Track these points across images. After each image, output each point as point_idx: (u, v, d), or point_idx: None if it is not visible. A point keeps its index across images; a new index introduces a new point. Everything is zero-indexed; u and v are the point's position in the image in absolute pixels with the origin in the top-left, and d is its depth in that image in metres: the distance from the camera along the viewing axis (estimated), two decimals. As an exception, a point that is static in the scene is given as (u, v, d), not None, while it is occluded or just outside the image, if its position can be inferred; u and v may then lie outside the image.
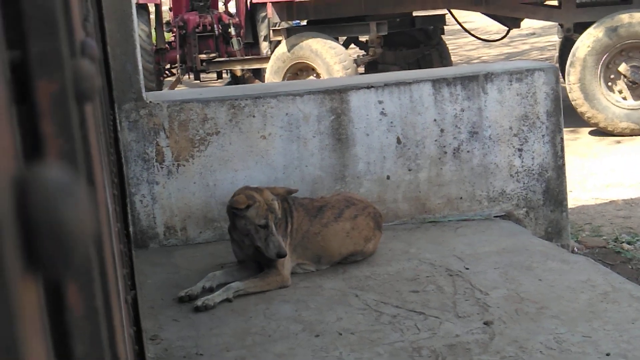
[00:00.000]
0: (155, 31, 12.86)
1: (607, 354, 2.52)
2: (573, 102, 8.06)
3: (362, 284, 3.29)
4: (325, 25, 8.95)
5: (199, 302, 3.11)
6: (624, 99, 8.09)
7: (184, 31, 12.31)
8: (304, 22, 9.47)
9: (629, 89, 8.06)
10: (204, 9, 12.67)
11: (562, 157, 4.22)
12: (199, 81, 12.95)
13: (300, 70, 8.91)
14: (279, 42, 9.26)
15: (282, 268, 3.32)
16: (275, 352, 2.70)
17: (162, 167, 3.96)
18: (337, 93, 4.05)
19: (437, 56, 10.26)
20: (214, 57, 12.18)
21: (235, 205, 3.25)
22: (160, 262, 3.74)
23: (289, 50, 8.83)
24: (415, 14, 9.87)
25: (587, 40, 7.96)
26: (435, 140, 4.11)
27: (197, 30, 12.28)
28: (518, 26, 9.64)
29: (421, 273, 3.37)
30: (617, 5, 8.32)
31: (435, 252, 3.64)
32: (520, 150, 4.16)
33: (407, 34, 10.14)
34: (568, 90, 8.01)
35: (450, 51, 10.92)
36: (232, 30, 12.24)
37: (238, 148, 3.98)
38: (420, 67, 9.18)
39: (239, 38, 12.34)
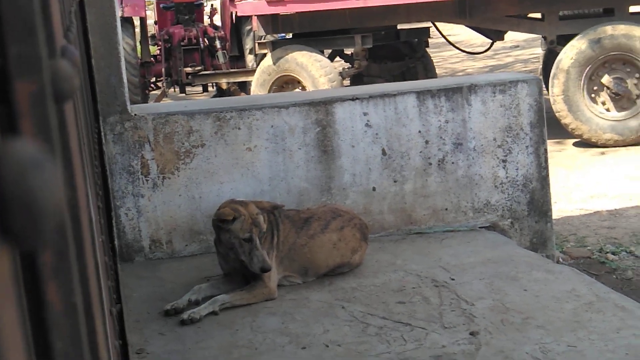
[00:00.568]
0: (140, 44, 12.86)
1: (593, 363, 2.53)
2: (557, 114, 8.12)
3: (348, 296, 3.28)
4: (311, 38, 8.98)
5: (185, 316, 3.10)
6: (608, 110, 8.16)
7: (169, 44, 12.32)
8: (290, 35, 9.50)
9: (612, 101, 8.13)
10: (189, 22, 12.68)
11: (546, 167, 4.25)
12: (184, 94, 12.94)
13: (285, 83, 8.93)
14: (264, 55, 9.27)
15: (268, 280, 3.31)
16: (262, 364, 2.69)
17: (147, 180, 3.95)
18: (322, 105, 4.06)
19: (421, 69, 10.31)
20: (200, 70, 12.19)
21: (222, 217, 3.25)
22: (146, 276, 3.72)
23: (274, 63, 8.85)
24: (400, 26, 9.93)
25: (571, 52, 8.02)
26: (420, 152, 4.12)
27: (182, 43, 12.29)
28: (502, 39, 9.72)
29: (407, 284, 3.37)
30: (599, 17, 8.41)
31: (421, 263, 3.64)
32: (504, 161, 4.18)
33: (392, 46, 10.19)
34: (552, 102, 8.07)
35: (434, 64, 10.98)
36: (217, 44, 12.26)
37: (223, 160, 3.98)
38: (405, 80, 9.22)
39: (225, 51, 12.36)
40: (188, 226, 3.98)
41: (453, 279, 3.39)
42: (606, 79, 8.05)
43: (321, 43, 9.03)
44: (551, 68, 8.28)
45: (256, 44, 10.52)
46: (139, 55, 12.47)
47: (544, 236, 4.25)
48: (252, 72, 10.59)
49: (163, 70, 12.18)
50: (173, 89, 12.74)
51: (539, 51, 11.65)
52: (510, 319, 2.93)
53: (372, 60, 9.77)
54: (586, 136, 8.13)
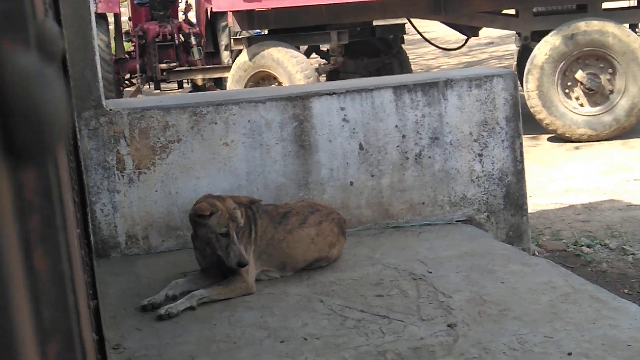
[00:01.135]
0: (115, 41, 12.77)
1: (569, 354, 2.54)
2: (531, 109, 8.18)
3: (326, 290, 3.28)
4: (287, 34, 8.96)
5: (162, 311, 3.08)
6: (581, 105, 8.24)
7: (144, 41, 12.24)
8: (265, 31, 9.48)
9: (585, 96, 8.21)
10: (164, 19, 12.61)
11: (522, 161, 4.28)
12: (159, 91, 12.87)
13: (262, 79, 8.91)
14: (240, 51, 9.25)
15: (246, 275, 3.30)
16: (240, 359, 2.68)
17: (123, 176, 3.92)
18: (300, 100, 4.06)
19: (397, 65, 10.34)
20: (175, 67, 12.13)
21: (199, 212, 3.24)
22: (122, 272, 3.70)
23: (250, 59, 8.82)
24: (375, 23, 9.95)
25: (545, 48, 8.09)
26: (397, 146, 4.13)
27: (157, 39, 12.22)
28: (476, 35, 9.77)
29: (385, 278, 3.38)
30: (573, 13, 8.48)
31: (398, 256, 3.65)
32: (480, 155, 4.20)
33: (368, 43, 10.21)
34: (526, 98, 8.13)
35: (410, 60, 11.03)
36: (192, 40, 12.20)
37: (200, 155, 3.96)
38: (381, 76, 9.24)
39: (200, 47, 12.32)
40: (164, 222, 3.96)
41: (430, 272, 3.41)
42: (580, 75, 8.13)
43: (297, 39, 9.02)
44: (525, 64, 8.35)
45: (232, 40, 10.50)
46: (113, 51, 12.39)
47: (519, 229, 4.28)
48: (227, 68, 10.56)
49: (137, 66, 12.11)
50: (148, 86, 12.68)
51: (513, 47, 11.73)
52: (487, 310, 2.94)
53: (348, 57, 9.78)
54: (560, 131, 8.21)
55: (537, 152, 7.91)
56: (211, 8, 10.46)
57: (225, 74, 10.71)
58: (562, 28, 8.05)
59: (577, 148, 8.06)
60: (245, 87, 8.75)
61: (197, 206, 3.28)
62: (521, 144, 4.27)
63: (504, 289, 3.17)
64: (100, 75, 3.94)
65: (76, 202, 2.30)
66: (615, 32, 7.97)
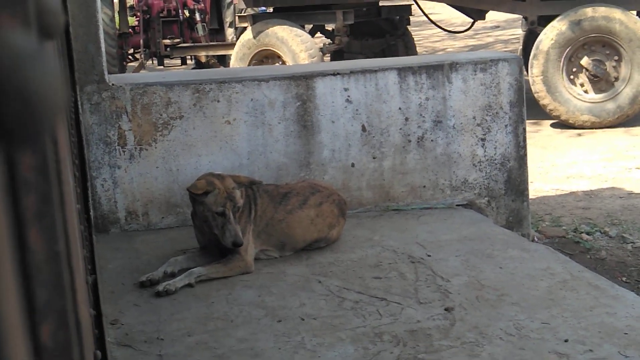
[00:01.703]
0: (119, 15, 12.72)
1: (565, 340, 2.55)
2: (536, 95, 8.16)
3: (325, 270, 3.29)
4: (292, 12, 8.91)
5: (160, 287, 3.09)
6: (586, 92, 8.21)
7: (148, 16, 12.19)
8: (271, 9, 9.43)
9: (590, 83, 8.18)
10: (169, -6, 12.54)
11: (524, 147, 4.27)
12: (162, 67, 12.84)
13: (265, 57, 8.88)
14: (244, 28, 9.21)
15: (245, 254, 3.31)
16: (238, 337, 2.69)
17: (124, 151, 3.92)
18: (303, 79, 4.05)
19: (402, 47, 10.30)
20: (178, 43, 12.09)
21: (193, 190, 3.24)
22: (121, 247, 3.70)
23: (254, 37, 8.78)
24: (381, 3, 9.89)
25: (551, 34, 8.05)
26: (400, 129, 4.12)
27: (161, 15, 12.17)
28: (483, 18, 9.72)
29: (384, 260, 3.38)
30: (580, -1, 8.43)
31: (398, 239, 3.66)
32: (483, 140, 4.19)
33: (373, 23, 10.16)
34: (531, 83, 8.10)
35: (415, 42, 10.97)
36: (197, 16, 12.14)
37: (202, 133, 3.96)
38: (385, 57, 9.20)
39: (204, 24, 12.25)
40: (165, 198, 3.97)
41: (429, 256, 3.41)
42: (585, 61, 8.10)
43: (302, 18, 8.97)
44: (531, 49, 8.31)
45: (236, 17, 10.44)
46: (117, 26, 12.34)
47: (520, 215, 4.28)
48: (231, 45, 10.51)
49: (141, 41, 12.06)
50: (151, 61, 12.64)
51: (520, 32, 11.68)
52: (485, 295, 2.95)
53: (353, 37, 9.74)
54: (564, 117, 8.19)
55: (539, 138, 7.90)
56: (216, -16, 10.40)
57: (229, 52, 10.67)
58: (569, 13, 8.01)
59: (579, 135, 8.04)
60: (248, 65, 8.72)
61: (194, 183, 3.29)
62: (524, 129, 4.27)
63: (503, 274, 3.17)
64: (103, 49, 3.93)
65: (77, 176, 2.30)
66: (622, 19, 7.92)
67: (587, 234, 5.04)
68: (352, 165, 4.10)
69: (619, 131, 8.02)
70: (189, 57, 12.74)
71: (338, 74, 4.08)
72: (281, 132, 4.03)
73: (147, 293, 3.11)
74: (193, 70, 10.57)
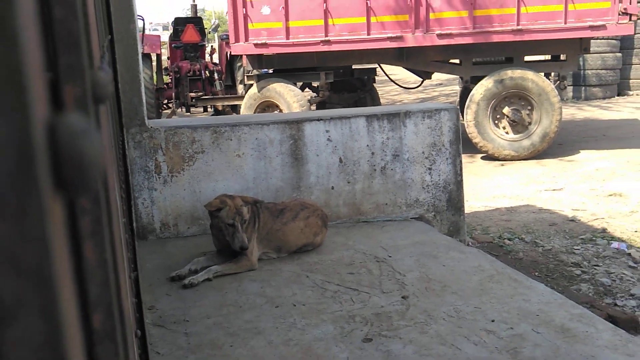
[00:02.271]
0: (156, 74, 12.73)
1: (492, 320, 2.55)
2: (469, 135, 8.22)
3: (311, 268, 3.28)
4: (287, 73, 8.96)
5: (186, 281, 3.07)
6: (507, 133, 8.29)
7: (179, 75, 12.23)
8: (271, 71, 9.48)
9: (510, 126, 8.26)
10: (194, 59, 12.61)
11: (461, 174, 4.29)
12: (189, 113, 12.83)
13: (267, 106, 8.90)
14: (251, 85, 9.24)
15: (251, 255, 3.29)
16: (245, 319, 2.67)
17: (159, 178, 3.90)
18: (295, 123, 4.06)
19: (369, 99, 10.36)
20: (201, 95, 12.11)
21: (208, 207, 3.23)
22: (157, 251, 3.68)
23: (259, 91, 8.81)
24: (354, 66, 9.97)
25: (481, 89, 8.14)
26: (368, 161, 4.14)
27: (188, 74, 12.21)
28: (430, 78, 9.81)
29: (356, 260, 3.38)
30: (502, 63, 8.53)
31: (366, 244, 3.66)
32: (430, 169, 4.21)
33: (348, 81, 10.22)
34: (466, 126, 8.17)
35: (379, 95, 11.04)
36: (215, 75, 12.20)
37: (218, 164, 3.95)
38: (357, 107, 9.25)
39: (221, 81, 12.30)
40: (190, 213, 3.95)
41: (390, 256, 3.41)
42: (506, 110, 8.18)
43: (295, 77, 9.02)
44: (466, 101, 8.39)
45: (245, 77, 10.48)
46: (155, 82, 12.35)
47: (458, 225, 4.30)
48: (241, 97, 10.54)
49: (173, 94, 12.09)
50: (181, 109, 12.63)
51: (457, 88, 11.78)
52: (432, 286, 2.95)
53: (333, 92, 9.79)
54: (491, 152, 8.25)
55: (472, 167, 7.95)
56: (230, 52, 10.44)
57: (239, 102, 10.69)
58: (494, 74, 8.10)
59: (502, 165, 8.10)
60: (254, 112, 8.73)
61: (210, 202, 3.28)
62: (461, 161, 4.29)
63: (445, 270, 3.18)
64: (144, 100, 3.93)
65: (123, 197, 2.29)
66: (534, 79, 8.02)
67: (509, 239, 5.06)
68: (332, 188, 4.11)
69: (532, 162, 8.09)
70: (209, 106, 12.77)
71: (321, 119, 4.09)
72: (279, 163, 4.03)
73: (176, 285, 3.09)
74: (212, 117, 10.59)
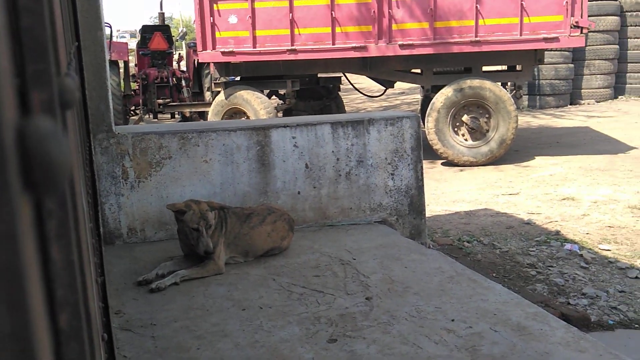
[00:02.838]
0: (124, 81, 12.54)
1: (452, 320, 2.58)
2: (430, 142, 8.32)
3: (278, 271, 3.27)
4: (254, 80, 8.94)
5: (153, 285, 3.03)
6: (466, 140, 8.42)
7: (146, 82, 12.07)
8: (238, 78, 9.44)
9: (469, 133, 8.40)
10: (162, 66, 12.47)
11: (422, 179, 4.34)
12: (156, 120, 12.67)
13: (234, 113, 8.85)
14: (218, 92, 9.18)
15: (218, 260, 3.27)
16: (212, 322, 2.65)
17: (126, 183, 3.84)
18: (262, 130, 4.05)
19: (334, 106, 10.40)
20: (169, 102, 11.97)
21: (170, 207, 3.22)
22: (124, 255, 3.62)
23: (226, 98, 8.76)
24: (320, 75, 10.00)
25: (441, 98, 8.26)
26: (333, 166, 4.15)
27: (156, 81, 12.06)
28: (392, 86, 9.91)
29: (321, 263, 3.38)
30: (461, 73, 8.68)
31: (332, 247, 3.66)
32: (392, 174, 4.25)
33: (314, 89, 10.25)
34: (427, 133, 8.27)
35: (344, 103, 11.10)
36: (183, 82, 12.08)
37: (186, 169, 3.92)
38: (322, 114, 9.27)
39: (188, 88, 12.18)
40: (157, 218, 3.90)
41: (354, 259, 3.42)
42: (465, 118, 8.31)
43: (262, 85, 9.00)
44: (427, 109, 8.50)
45: (212, 84, 10.41)
46: (122, 89, 12.16)
47: (419, 229, 4.34)
48: (209, 104, 10.46)
49: (141, 101, 11.92)
50: (148, 116, 12.46)
51: (418, 96, 11.92)
52: (394, 288, 2.97)
53: (299, 99, 9.80)
54: (450, 158, 8.37)
55: (433, 173, 8.04)
56: (198, 59, 10.36)
57: (207, 109, 10.61)
58: (453, 83, 8.23)
59: (461, 170, 8.21)
60: (221, 119, 8.67)
61: (175, 204, 3.27)
62: (422, 166, 4.34)
63: (407, 271, 3.20)
64: (111, 107, 3.87)
65: (90, 202, 2.25)
66: (491, 88, 8.18)
67: (468, 242, 5.13)
68: (299, 193, 4.11)
69: (490, 168, 8.23)
70: (177, 113, 12.63)
71: (288, 126, 4.10)
72: (246, 169, 4.01)
73: (143, 290, 3.05)
74: (179, 123, 10.47)
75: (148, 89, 12.03)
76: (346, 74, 9.78)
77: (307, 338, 2.44)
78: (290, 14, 8.26)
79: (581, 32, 7.97)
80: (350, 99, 15.82)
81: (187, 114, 11.83)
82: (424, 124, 8.27)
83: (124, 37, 31.91)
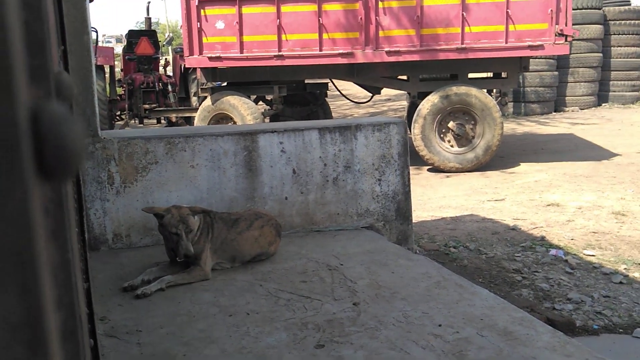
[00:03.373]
0: (109, 86, 12.46)
1: (439, 325, 2.58)
2: (416, 148, 8.36)
3: (265, 277, 3.26)
4: (241, 86, 8.93)
5: (139, 291, 3.01)
6: (452, 146, 8.48)
7: (132, 87, 12.00)
8: (225, 83, 9.42)
9: (455, 140, 8.46)
10: (148, 71, 12.40)
11: (409, 185, 4.36)
12: (142, 125, 12.59)
13: (221, 119, 8.83)
14: (205, 97, 9.16)
15: (204, 265, 3.25)
16: (198, 328, 2.63)
17: (112, 188, 3.82)
18: (249, 135, 4.05)
19: (322, 113, 10.42)
20: (155, 107, 11.91)
21: (147, 210, 3.21)
22: (109, 261, 3.59)
23: (212, 104, 8.74)
24: (307, 81, 10.02)
25: (427, 104, 8.31)
26: (321, 172, 4.16)
27: (142, 86, 12.00)
28: (379, 93, 9.96)
29: (309, 268, 3.38)
30: (448, 80, 8.75)
31: (319, 253, 3.66)
32: (379, 180, 4.27)
33: (301, 95, 10.26)
34: (413, 140, 8.31)
35: (331, 109, 11.13)
36: (169, 87, 12.03)
37: (172, 174, 3.90)
38: (309, 120, 9.28)
39: (175, 93, 12.14)
40: (143, 224, 3.87)
41: (342, 264, 3.42)
42: (451, 124, 8.37)
43: (248, 90, 8.99)
44: (413, 115, 8.55)
45: (199, 89, 10.38)
46: (108, 94, 12.08)
47: (406, 234, 4.35)
48: (195, 109, 10.43)
49: (127, 106, 11.85)
50: (134, 121, 12.39)
51: (405, 103, 11.99)
52: (382, 293, 2.97)
53: (286, 105, 9.80)
54: (436, 164, 8.42)
55: (420, 179, 8.08)
56: (184, 64, 10.34)
57: (193, 114, 10.57)
58: (439, 90, 8.29)
59: (448, 177, 8.26)
60: (208, 124, 8.65)
61: (154, 207, 3.26)
62: (409, 172, 4.36)
63: (394, 277, 3.20)
64: (97, 111, 3.84)
65: (75, 207, 2.23)
66: (477, 94, 8.25)
67: (454, 247, 5.15)
68: (286, 198, 4.11)
69: (476, 174, 8.29)
70: (163, 118, 12.58)
71: (275, 131, 4.10)
72: (233, 174, 4.01)
73: (129, 296, 3.02)
74: (166, 128, 10.43)
75: (134, 94, 11.96)
76: (333, 80, 9.80)
77: (295, 344, 2.43)
78: (278, 20, 8.27)
79: (566, 40, 8.07)
80: (337, 105, 15.85)
81: (174, 119, 11.78)
82: (410, 131, 8.31)
83: (110, 41, 31.72)
